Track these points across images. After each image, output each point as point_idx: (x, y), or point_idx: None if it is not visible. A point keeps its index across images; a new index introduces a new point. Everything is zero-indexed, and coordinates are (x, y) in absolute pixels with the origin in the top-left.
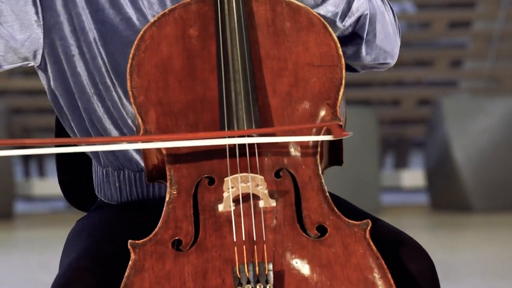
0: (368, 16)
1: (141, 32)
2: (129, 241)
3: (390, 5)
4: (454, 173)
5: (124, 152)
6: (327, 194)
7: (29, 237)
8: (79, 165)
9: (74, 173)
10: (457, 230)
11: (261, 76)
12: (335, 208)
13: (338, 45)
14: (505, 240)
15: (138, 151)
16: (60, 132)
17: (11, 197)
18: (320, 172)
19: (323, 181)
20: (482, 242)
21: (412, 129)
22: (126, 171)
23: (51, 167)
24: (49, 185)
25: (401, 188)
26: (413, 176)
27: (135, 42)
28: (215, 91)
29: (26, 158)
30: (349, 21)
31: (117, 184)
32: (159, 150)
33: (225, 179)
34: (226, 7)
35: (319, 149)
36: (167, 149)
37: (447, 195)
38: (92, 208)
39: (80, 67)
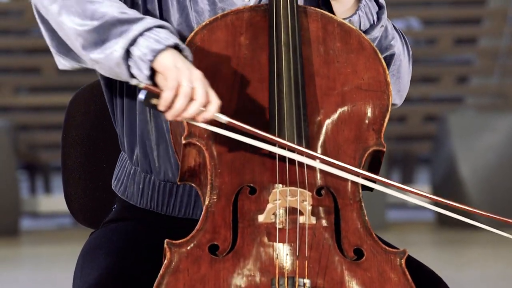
0: (395, 56)
1: (192, 34)
2: (166, 240)
3: (408, 48)
4: (460, 189)
5: (156, 159)
6: (366, 218)
7: (35, 254)
8: (86, 180)
9: (81, 188)
10: (463, 247)
11: (310, 92)
12: (373, 233)
13: (387, 71)
14: (511, 257)
15: (168, 160)
16: (67, 148)
17: (17, 213)
18: (361, 195)
19: (363, 204)
20: (488, 259)
21: (418, 145)
22: (152, 176)
23: (57, 183)
24: (55, 202)
25: (407, 205)
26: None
27: (185, 43)
28: (263, 101)
29: (32, 174)
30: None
31: (141, 185)
32: (200, 152)
33: (273, 190)
34: (281, 20)
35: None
36: (210, 153)
37: (453, 211)
38: (106, 220)
39: None
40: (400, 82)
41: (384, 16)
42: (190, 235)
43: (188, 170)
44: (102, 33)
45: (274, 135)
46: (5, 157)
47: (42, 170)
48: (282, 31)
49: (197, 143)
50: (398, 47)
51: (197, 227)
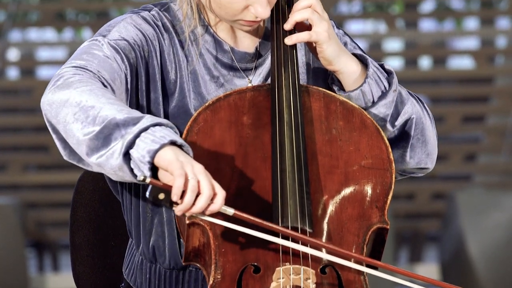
0: (414, 120)
1: (195, 114)
2: None
3: (427, 111)
4: (469, 268)
5: (162, 249)
6: None
7: None
8: (94, 258)
9: (89, 266)
10: None
11: (313, 171)
12: None
13: (390, 149)
14: None
15: (173, 249)
16: (75, 226)
17: None
18: (365, 272)
19: (367, 281)
20: None
21: (426, 223)
22: (158, 266)
23: (66, 261)
24: (63, 280)
25: (416, 283)
26: (428, 271)
27: (188, 123)
28: (266, 180)
29: (40, 252)
30: (397, 123)
31: (147, 276)
32: (204, 232)
33: (277, 269)
34: (283, 100)
35: (364, 251)
36: (214, 233)
37: None
38: None
39: None
40: (427, 145)
41: (395, 80)
42: None
43: (193, 250)
44: (101, 138)
45: (278, 214)
46: (13, 235)
47: (50, 248)
48: (285, 110)
49: (201, 223)
50: (416, 110)
51: None
